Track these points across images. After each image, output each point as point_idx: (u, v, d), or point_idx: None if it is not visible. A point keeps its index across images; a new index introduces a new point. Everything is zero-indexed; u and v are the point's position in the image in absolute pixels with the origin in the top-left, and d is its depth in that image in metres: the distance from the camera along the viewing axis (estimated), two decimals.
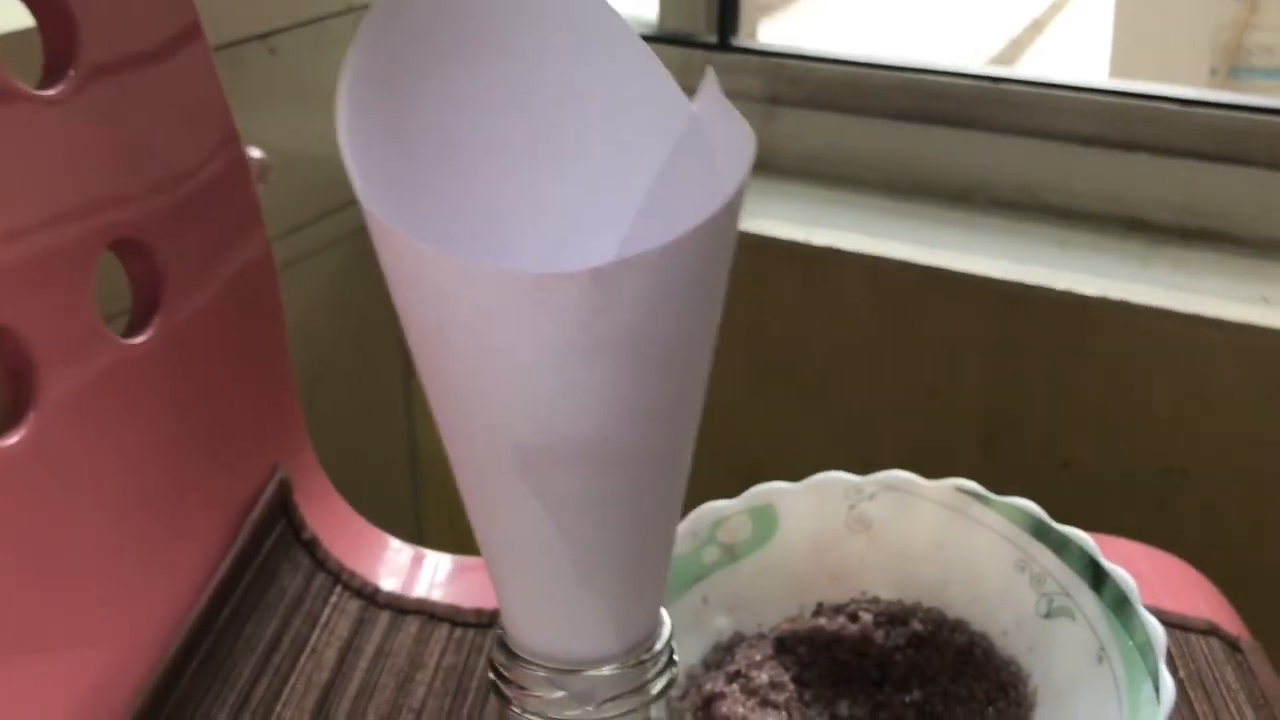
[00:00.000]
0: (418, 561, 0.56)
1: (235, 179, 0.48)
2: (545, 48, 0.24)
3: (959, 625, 0.46)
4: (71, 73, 0.41)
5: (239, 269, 0.48)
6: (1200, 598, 0.54)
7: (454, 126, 0.23)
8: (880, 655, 0.46)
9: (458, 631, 0.52)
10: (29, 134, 0.39)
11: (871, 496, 0.49)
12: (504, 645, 0.25)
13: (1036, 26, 2.00)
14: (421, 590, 0.54)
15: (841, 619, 0.46)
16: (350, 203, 0.88)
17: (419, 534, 0.99)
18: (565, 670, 0.24)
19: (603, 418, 0.20)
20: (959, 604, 0.47)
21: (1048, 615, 0.45)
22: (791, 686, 0.45)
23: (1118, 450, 0.75)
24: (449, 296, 0.19)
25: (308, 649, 0.49)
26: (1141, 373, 0.74)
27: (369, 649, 0.50)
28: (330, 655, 0.49)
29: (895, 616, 0.46)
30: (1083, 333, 0.75)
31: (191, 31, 0.46)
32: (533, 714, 0.25)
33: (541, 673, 0.24)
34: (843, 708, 0.45)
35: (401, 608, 0.52)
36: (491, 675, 0.25)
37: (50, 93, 0.40)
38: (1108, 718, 0.40)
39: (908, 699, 0.45)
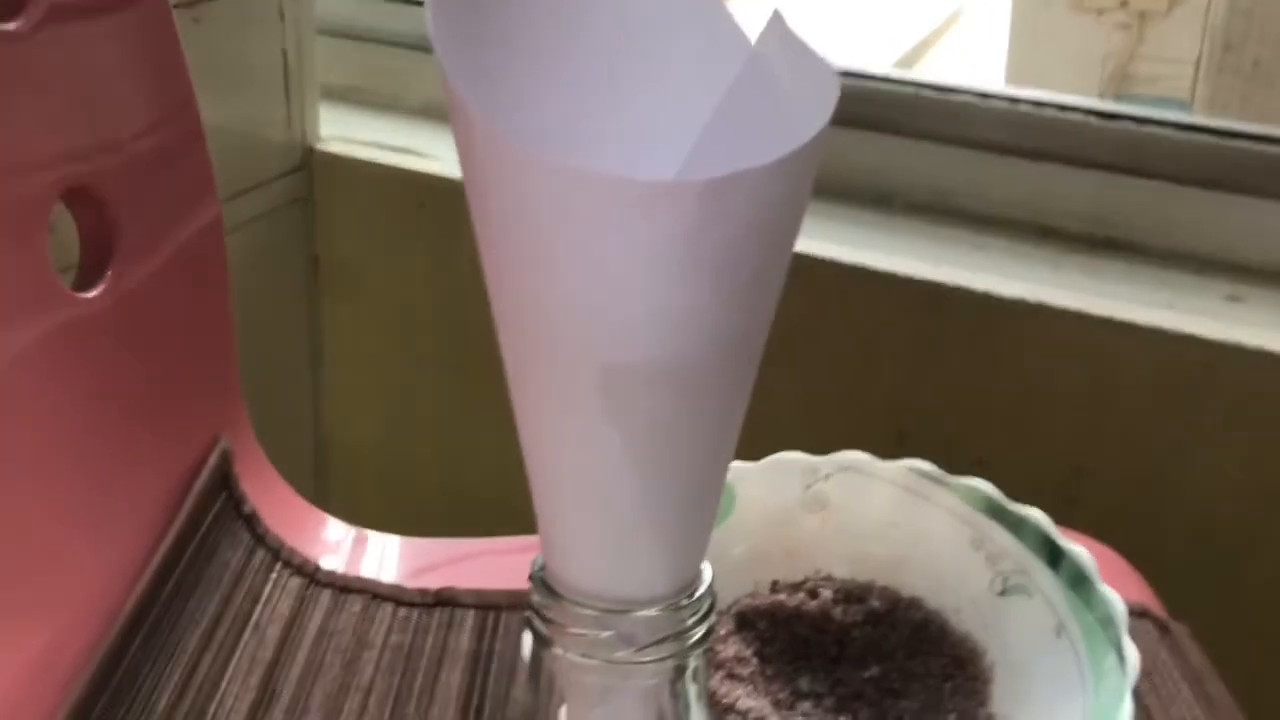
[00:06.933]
0: (358, 541, 0.55)
1: (190, 143, 0.46)
2: None
3: (914, 603, 0.47)
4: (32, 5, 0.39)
5: (191, 234, 0.47)
6: (1130, 583, 0.56)
7: (530, 52, 0.22)
8: (838, 631, 0.46)
9: (402, 611, 0.51)
10: None
11: (827, 477, 0.49)
12: (546, 585, 0.25)
13: (924, 45, 2.05)
14: (362, 569, 0.53)
15: (801, 595, 0.47)
16: (265, 181, 0.85)
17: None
18: (614, 610, 0.24)
19: (692, 339, 0.20)
20: (913, 582, 0.48)
21: (1003, 592, 0.46)
22: (755, 661, 0.45)
23: (1029, 448, 0.78)
24: (554, 205, 0.19)
25: (250, 625, 0.47)
26: (1053, 374, 0.76)
27: (312, 627, 0.49)
28: (273, 633, 0.47)
29: (853, 593, 0.47)
30: (998, 334, 0.77)
31: None
32: (576, 655, 0.24)
33: (590, 612, 0.24)
34: (803, 683, 0.45)
35: (344, 586, 0.51)
36: (531, 616, 0.25)
37: (10, 27, 0.38)
38: (1070, 689, 0.41)
39: (866, 675, 0.45)
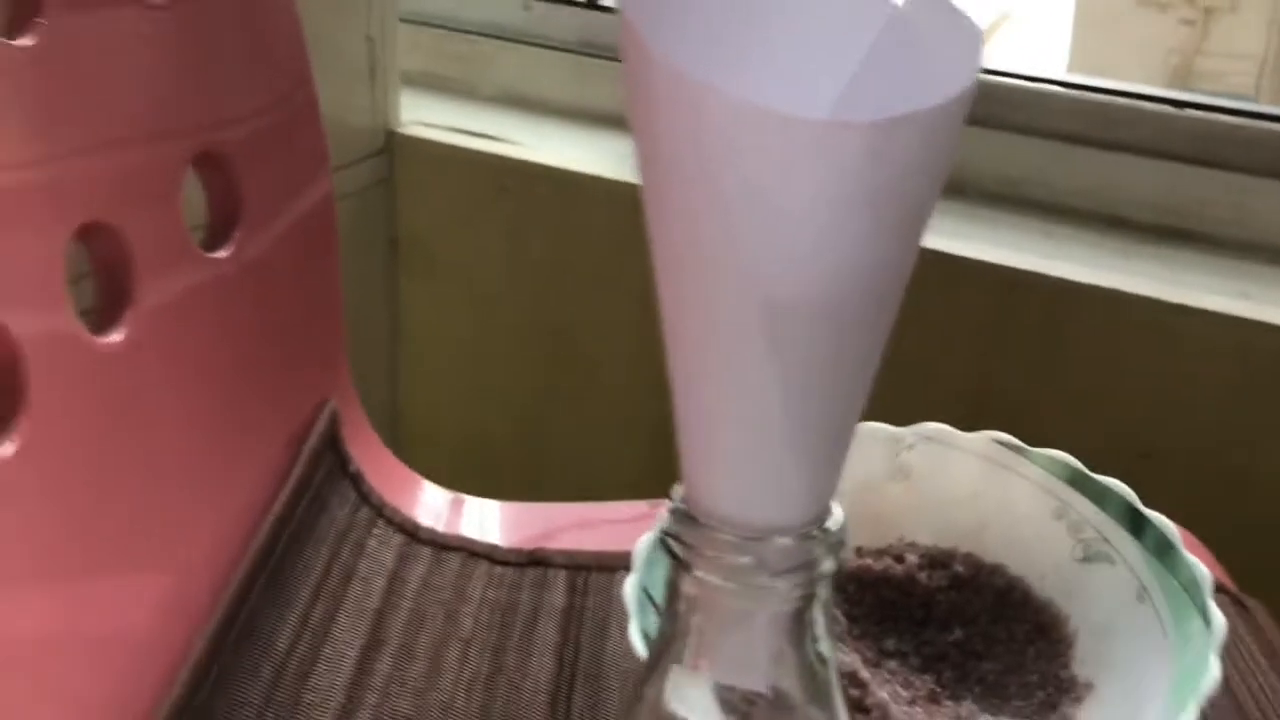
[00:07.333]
0: (455, 505, 0.57)
1: (309, 117, 0.48)
2: None
3: (997, 569, 0.48)
4: None
5: (308, 206, 0.49)
6: (1204, 561, 0.57)
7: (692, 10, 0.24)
8: (923, 595, 0.47)
9: (498, 569, 0.53)
10: (136, 36, 0.40)
11: (911, 447, 0.51)
12: (685, 513, 0.26)
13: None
14: (458, 529, 0.55)
15: (887, 559, 0.48)
16: (348, 164, 0.88)
17: None
18: (754, 537, 0.26)
19: (856, 273, 0.22)
20: (995, 549, 0.49)
21: (1085, 560, 0.47)
22: (843, 620, 0.46)
23: (1099, 433, 0.78)
24: (729, 141, 0.20)
25: (357, 577, 0.49)
26: (1125, 360, 0.77)
27: (414, 581, 0.51)
28: (378, 585, 0.49)
29: (937, 559, 0.48)
30: (1071, 319, 0.77)
31: None
32: (715, 578, 0.26)
33: (729, 538, 0.26)
34: (889, 643, 0.46)
35: (442, 544, 0.53)
36: (669, 540, 0.26)
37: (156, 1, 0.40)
38: (1153, 652, 0.42)
39: (950, 638, 0.47)
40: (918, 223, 0.22)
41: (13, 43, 0.33)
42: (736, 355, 0.23)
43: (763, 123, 0.20)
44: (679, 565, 0.26)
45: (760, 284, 0.22)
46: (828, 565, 0.27)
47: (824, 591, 0.27)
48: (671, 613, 0.27)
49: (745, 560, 0.26)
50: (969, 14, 0.23)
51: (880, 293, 0.23)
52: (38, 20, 0.34)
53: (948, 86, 0.22)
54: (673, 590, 0.27)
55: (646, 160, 0.22)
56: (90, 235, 0.36)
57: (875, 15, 0.25)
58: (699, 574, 0.26)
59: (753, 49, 0.24)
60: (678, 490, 0.27)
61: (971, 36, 0.23)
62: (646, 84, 0.21)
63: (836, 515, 0.27)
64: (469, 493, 0.61)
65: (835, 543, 0.27)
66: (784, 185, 0.20)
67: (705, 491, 0.26)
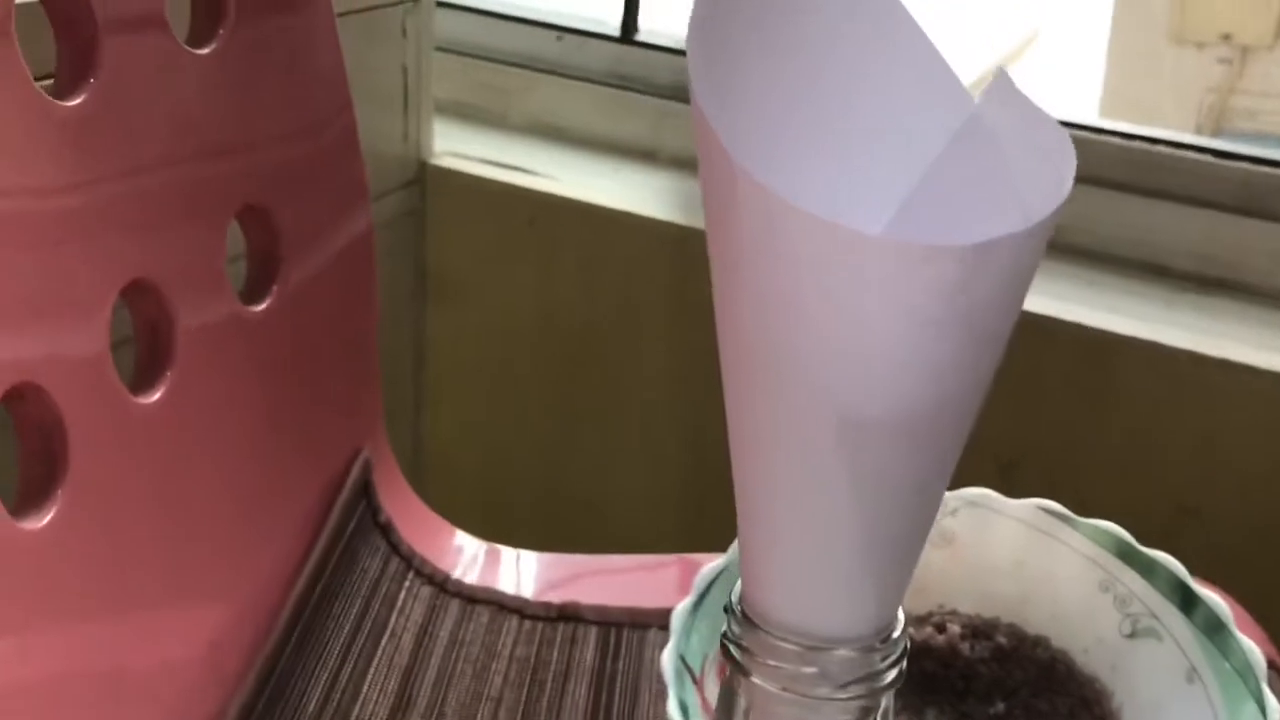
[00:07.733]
0: (485, 554, 0.56)
1: (348, 146, 0.48)
2: (835, 37, 0.24)
3: (1041, 641, 0.47)
4: (221, 32, 0.41)
5: (347, 242, 0.48)
6: (1251, 634, 0.56)
7: (773, 100, 0.23)
8: (965, 667, 0.46)
9: (527, 624, 0.52)
10: (184, 82, 0.39)
11: (954, 512, 0.50)
12: (747, 619, 0.25)
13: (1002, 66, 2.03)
14: (487, 580, 0.54)
15: (929, 629, 0.47)
16: (381, 194, 0.87)
17: None
18: (818, 647, 0.25)
19: (939, 393, 0.21)
20: (1039, 621, 0.48)
21: (1131, 635, 0.46)
22: None
23: (1135, 488, 0.77)
24: (817, 260, 0.19)
25: (387, 632, 0.48)
26: (1164, 413, 0.76)
27: (444, 636, 0.50)
28: (408, 640, 0.49)
29: (979, 630, 0.47)
30: (1109, 371, 0.76)
31: None
32: (775, 687, 0.25)
33: (791, 647, 0.25)
34: (930, 716, 0.45)
35: (471, 597, 0.52)
36: (730, 646, 0.26)
37: (205, 51, 0.40)
38: None
39: (991, 711, 0.46)
40: (1002, 337, 0.21)
41: (66, 104, 0.33)
42: (807, 468, 0.22)
43: (854, 245, 0.19)
44: (736, 669, 0.26)
45: (837, 400, 0.21)
46: (891, 676, 0.26)
47: (886, 702, 0.26)
48: (725, 713, 0.27)
49: (807, 670, 0.25)
50: (1051, 115, 0.22)
51: (960, 408, 0.22)
52: (90, 80, 0.33)
53: (1039, 198, 0.21)
54: (728, 693, 0.26)
55: (721, 265, 0.22)
56: (133, 296, 0.35)
57: (954, 116, 0.24)
58: (756, 680, 0.25)
59: (830, 150, 0.23)
60: (736, 590, 0.26)
61: (1058, 140, 0.22)
62: (729, 192, 0.20)
63: (901, 624, 0.26)
64: (492, 529, 0.60)
65: (900, 654, 0.26)
66: (875, 305, 0.20)
67: (767, 597, 0.25)
